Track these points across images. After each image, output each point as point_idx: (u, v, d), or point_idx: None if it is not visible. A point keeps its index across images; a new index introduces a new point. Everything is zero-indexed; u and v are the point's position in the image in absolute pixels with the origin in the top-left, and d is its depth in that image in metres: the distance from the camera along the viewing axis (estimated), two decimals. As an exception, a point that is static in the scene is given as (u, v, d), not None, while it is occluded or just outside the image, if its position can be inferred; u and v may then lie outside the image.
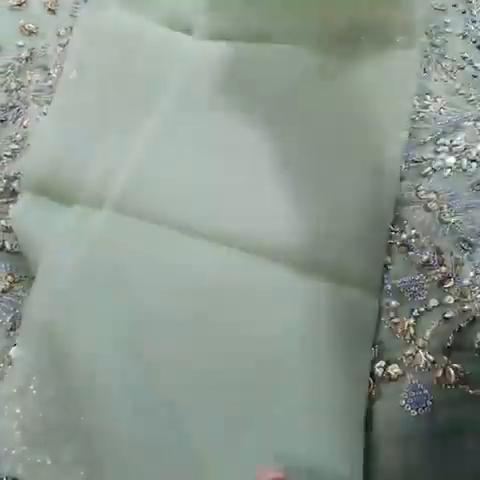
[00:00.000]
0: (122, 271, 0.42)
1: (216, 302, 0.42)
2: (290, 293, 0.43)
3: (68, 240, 0.43)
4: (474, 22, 0.57)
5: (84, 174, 0.46)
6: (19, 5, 0.60)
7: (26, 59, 0.57)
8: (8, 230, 0.47)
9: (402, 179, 0.49)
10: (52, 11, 0.61)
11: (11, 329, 0.43)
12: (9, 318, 0.43)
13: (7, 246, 0.46)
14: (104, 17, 0.56)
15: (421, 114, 0.52)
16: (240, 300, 0.42)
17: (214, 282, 0.43)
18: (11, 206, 0.48)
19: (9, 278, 0.45)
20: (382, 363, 0.42)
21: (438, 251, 0.46)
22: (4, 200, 0.49)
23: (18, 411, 0.39)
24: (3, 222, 0.47)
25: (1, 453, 0.38)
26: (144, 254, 0.43)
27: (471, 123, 0.51)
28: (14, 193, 0.49)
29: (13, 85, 0.55)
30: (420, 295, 0.44)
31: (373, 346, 0.42)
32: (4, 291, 0.44)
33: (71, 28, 0.59)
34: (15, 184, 0.49)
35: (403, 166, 0.50)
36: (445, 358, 0.42)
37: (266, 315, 0.42)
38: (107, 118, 0.49)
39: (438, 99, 0.53)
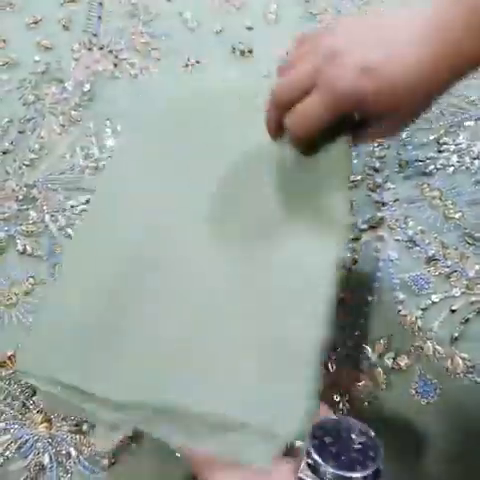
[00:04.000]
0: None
1: None
2: None
3: None
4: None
5: None
6: (35, 23, 0.63)
7: (42, 73, 0.60)
8: (29, 235, 0.49)
9: (407, 178, 0.51)
10: (66, 27, 0.63)
11: (34, 328, 0.45)
12: (31, 318, 0.45)
13: (28, 250, 0.48)
14: None
15: (424, 115, 0.54)
16: None
17: None
18: (31, 212, 0.50)
19: (31, 280, 0.47)
20: (392, 354, 0.43)
21: (443, 246, 0.47)
22: (25, 207, 0.51)
23: None
24: (24, 227, 0.50)
25: None
26: None
27: (472, 122, 0.53)
28: (34, 200, 0.51)
29: (31, 98, 0.58)
30: (427, 288, 0.46)
31: (382, 338, 0.43)
32: (27, 293, 0.46)
33: (84, 43, 0.62)
34: (34, 191, 0.52)
35: (408, 166, 0.51)
36: (453, 349, 0.43)
37: None
38: None
39: (439, 100, 0.54)
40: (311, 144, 0.36)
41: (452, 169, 0.51)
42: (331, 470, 0.27)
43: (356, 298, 0.45)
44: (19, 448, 0.40)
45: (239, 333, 0.35)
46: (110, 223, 0.43)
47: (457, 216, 0.48)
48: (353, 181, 0.50)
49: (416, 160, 0.52)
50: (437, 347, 0.43)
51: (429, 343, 0.43)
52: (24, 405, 0.42)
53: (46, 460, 0.39)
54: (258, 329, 0.35)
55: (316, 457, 0.28)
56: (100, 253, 0.41)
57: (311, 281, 0.35)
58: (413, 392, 0.42)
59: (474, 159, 0.51)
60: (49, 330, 0.38)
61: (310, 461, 0.28)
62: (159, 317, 0.37)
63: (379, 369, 0.42)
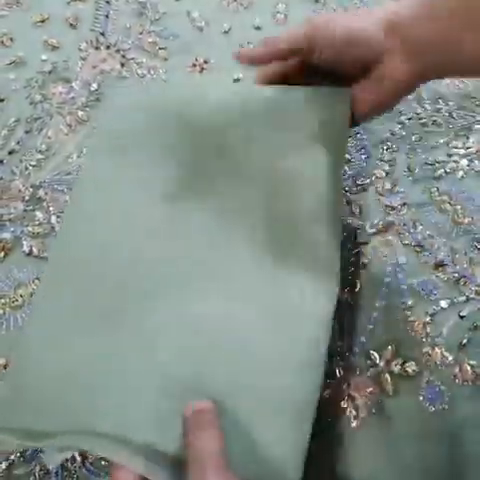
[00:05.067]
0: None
1: None
2: None
3: None
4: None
5: None
6: (42, 21, 0.63)
7: (49, 72, 0.59)
8: (35, 236, 0.49)
9: (416, 182, 0.50)
10: (73, 26, 0.63)
11: (39, 330, 0.45)
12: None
13: (35, 251, 0.48)
14: None
15: (433, 118, 0.53)
16: None
17: None
18: (37, 213, 0.50)
19: (37, 282, 0.47)
20: (399, 361, 0.42)
21: (453, 251, 0.47)
22: (31, 208, 0.51)
23: None
24: (30, 228, 0.49)
25: None
26: None
27: (483, 126, 0.52)
28: (40, 200, 0.51)
29: (37, 98, 0.58)
30: (435, 294, 0.45)
31: (389, 344, 0.43)
32: (32, 295, 0.46)
33: (91, 42, 0.62)
34: (41, 192, 0.51)
35: (417, 170, 0.51)
36: (461, 355, 0.43)
37: None
38: None
39: (450, 103, 0.54)
40: None
41: (462, 173, 0.50)
42: None
43: (363, 303, 0.45)
44: (24, 452, 0.40)
45: None
46: (87, 243, 0.40)
47: (466, 221, 0.48)
48: (361, 184, 0.50)
49: (425, 164, 0.51)
50: (445, 353, 0.43)
51: (437, 349, 0.43)
52: (29, 408, 0.41)
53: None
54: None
55: None
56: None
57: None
58: (421, 399, 0.41)
59: (484, 163, 0.50)
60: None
61: None
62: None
63: (386, 376, 0.42)
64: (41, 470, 0.39)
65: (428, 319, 0.44)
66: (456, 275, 0.46)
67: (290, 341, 0.35)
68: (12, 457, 0.39)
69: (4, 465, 0.39)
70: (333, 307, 0.37)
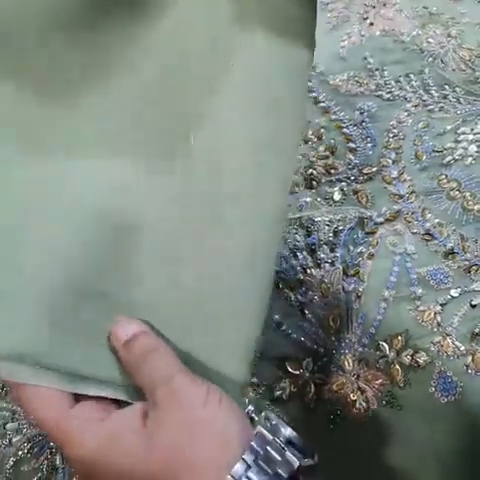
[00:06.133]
0: None
1: None
2: None
3: None
4: (491, 11, 0.57)
5: None
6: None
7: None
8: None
9: (424, 169, 0.49)
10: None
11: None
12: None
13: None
14: None
15: (440, 104, 0.52)
16: None
17: None
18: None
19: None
20: (410, 351, 0.42)
21: (462, 238, 0.46)
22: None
23: None
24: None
25: None
26: None
27: (491, 110, 0.51)
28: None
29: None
30: (445, 283, 0.44)
31: (399, 334, 0.42)
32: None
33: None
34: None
35: (424, 157, 0.50)
36: (473, 345, 0.42)
37: None
38: None
39: (457, 89, 0.53)
40: None
41: (470, 159, 0.49)
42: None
43: (372, 294, 0.44)
44: (31, 448, 0.39)
45: None
46: None
47: (476, 208, 0.47)
48: (368, 173, 0.49)
49: (433, 151, 0.50)
50: (457, 343, 0.42)
51: (449, 339, 0.42)
52: (36, 405, 0.41)
53: (58, 460, 0.38)
54: None
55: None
56: None
57: None
58: (432, 390, 0.40)
59: (494, 148, 0.49)
60: None
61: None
62: None
63: (397, 367, 0.41)
64: (48, 466, 0.39)
65: (439, 308, 0.43)
66: (467, 263, 0.45)
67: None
68: (20, 453, 0.39)
69: (12, 461, 0.39)
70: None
